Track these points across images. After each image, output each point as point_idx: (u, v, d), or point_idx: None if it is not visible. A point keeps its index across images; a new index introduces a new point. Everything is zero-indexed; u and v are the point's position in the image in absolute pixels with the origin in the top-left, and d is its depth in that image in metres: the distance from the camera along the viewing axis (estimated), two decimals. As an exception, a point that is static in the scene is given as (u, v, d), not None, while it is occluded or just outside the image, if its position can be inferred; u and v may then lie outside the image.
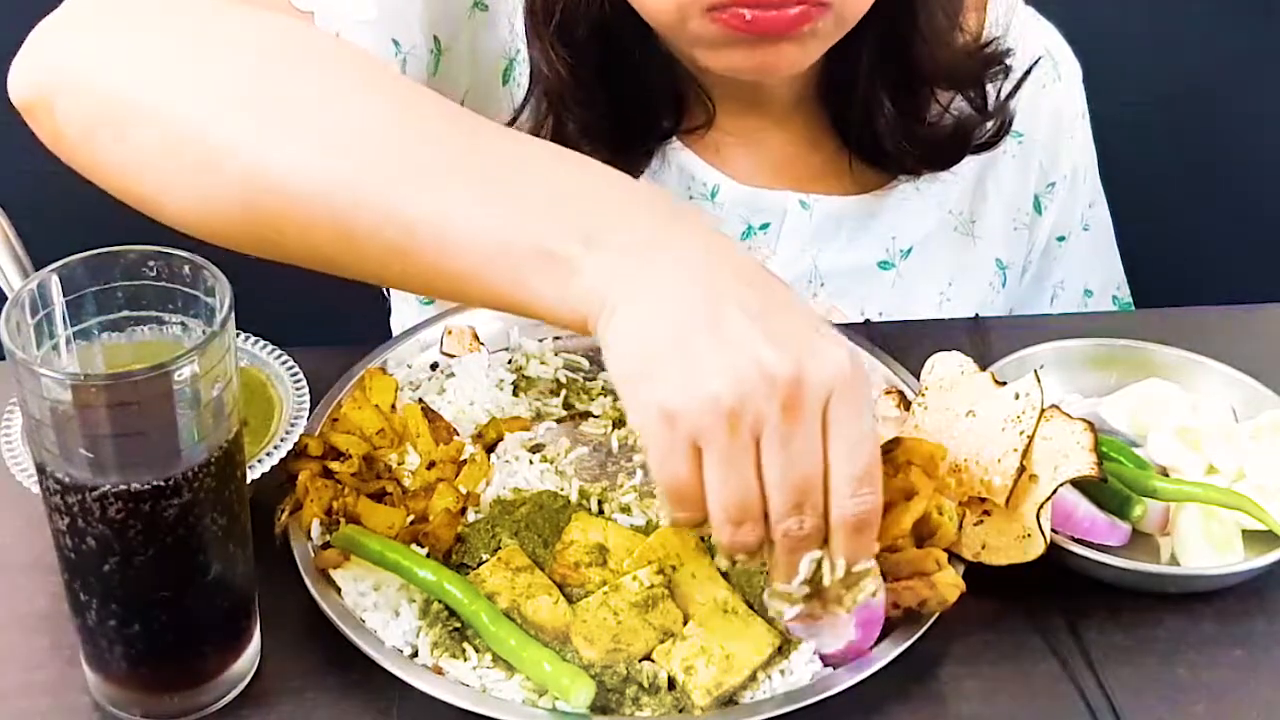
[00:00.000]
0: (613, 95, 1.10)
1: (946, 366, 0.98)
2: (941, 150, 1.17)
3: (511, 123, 1.11)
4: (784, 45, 0.99)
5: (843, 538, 0.78)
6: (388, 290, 1.34)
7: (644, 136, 1.15)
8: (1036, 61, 1.19)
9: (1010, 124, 1.18)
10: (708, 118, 1.15)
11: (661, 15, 1.01)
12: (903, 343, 1.04)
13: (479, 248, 0.79)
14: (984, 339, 1.08)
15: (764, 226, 1.18)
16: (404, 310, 1.32)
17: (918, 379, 0.99)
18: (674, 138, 1.16)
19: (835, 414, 0.76)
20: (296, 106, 0.84)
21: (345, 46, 0.95)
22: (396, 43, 1.07)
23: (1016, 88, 1.17)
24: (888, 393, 1.00)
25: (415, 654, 0.84)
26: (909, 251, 1.22)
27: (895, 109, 1.14)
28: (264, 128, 0.83)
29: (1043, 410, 0.91)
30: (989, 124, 1.17)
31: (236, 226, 0.85)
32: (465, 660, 0.83)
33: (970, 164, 1.19)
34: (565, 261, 0.78)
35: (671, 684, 0.83)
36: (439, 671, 0.83)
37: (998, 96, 1.16)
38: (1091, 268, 1.33)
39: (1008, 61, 1.16)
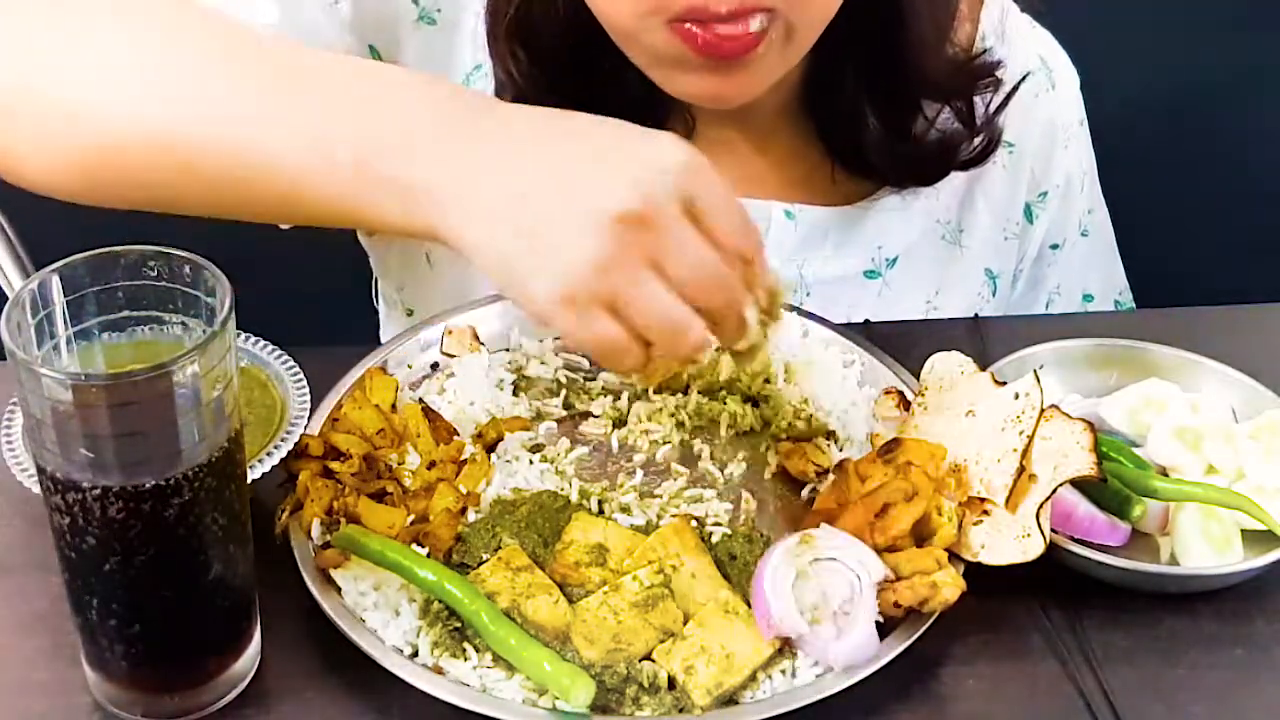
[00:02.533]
0: (582, 106, 1.07)
1: (946, 366, 0.98)
2: (926, 166, 1.16)
3: None
4: (737, 73, 0.98)
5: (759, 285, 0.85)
6: (376, 300, 1.34)
7: None
8: (1025, 76, 1.17)
9: (999, 139, 1.17)
10: (687, 128, 1.13)
11: (618, 24, 0.99)
12: (902, 343, 1.04)
13: (305, 166, 0.84)
14: (983, 339, 1.08)
15: None
16: (391, 321, 1.32)
17: (918, 379, 1.00)
18: None
19: (697, 197, 0.81)
20: (119, 57, 0.89)
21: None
22: None
23: (1005, 102, 1.15)
24: (888, 393, 1.00)
25: (415, 654, 0.84)
26: (895, 261, 1.21)
27: (880, 124, 1.13)
28: (88, 81, 0.88)
29: (1042, 410, 0.91)
30: (976, 139, 1.16)
31: (79, 179, 0.90)
32: (465, 660, 0.83)
33: (959, 174, 1.19)
34: (390, 175, 0.82)
35: (671, 684, 0.83)
36: (439, 671, 0.83)
37: (986, 110, 1.15)
38: (1090, 273, 1.32)
39: (998, 74, 1.15)
